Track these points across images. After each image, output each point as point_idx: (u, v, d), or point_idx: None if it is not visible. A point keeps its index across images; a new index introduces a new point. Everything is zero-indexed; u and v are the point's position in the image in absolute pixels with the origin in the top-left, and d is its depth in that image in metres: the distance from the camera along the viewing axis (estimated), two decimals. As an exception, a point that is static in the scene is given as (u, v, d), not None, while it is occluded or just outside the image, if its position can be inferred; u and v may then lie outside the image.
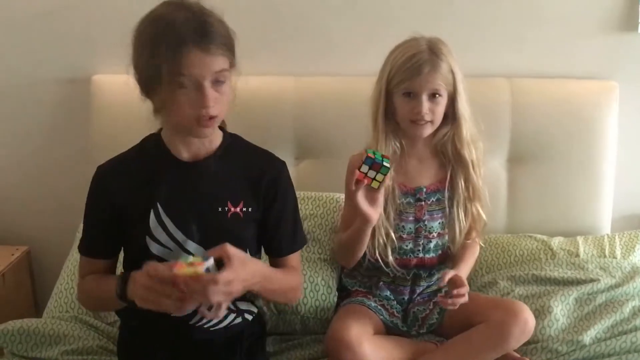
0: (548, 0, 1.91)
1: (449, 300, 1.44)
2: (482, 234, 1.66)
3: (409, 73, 1.48)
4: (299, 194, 1.78)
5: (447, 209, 1.59)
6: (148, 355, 1.31)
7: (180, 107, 1.19)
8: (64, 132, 2.03)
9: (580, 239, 1.84)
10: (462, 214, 1.58)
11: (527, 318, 1.43)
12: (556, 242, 1.83)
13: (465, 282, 1.48)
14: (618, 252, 1.80)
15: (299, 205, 1.74)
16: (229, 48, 1.22)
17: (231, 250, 1.17)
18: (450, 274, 1.47)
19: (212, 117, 1.21)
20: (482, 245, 1.67)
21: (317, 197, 1.82)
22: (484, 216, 1.62)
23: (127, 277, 1.22)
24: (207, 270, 1.13)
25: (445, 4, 1.91)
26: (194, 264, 1.13)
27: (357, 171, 1.39)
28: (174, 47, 1.15)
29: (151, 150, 1.30)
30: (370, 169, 1.38)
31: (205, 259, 1.15)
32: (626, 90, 1.93)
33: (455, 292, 1.44)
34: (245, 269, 1.18)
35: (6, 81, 2.01)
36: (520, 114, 1.90)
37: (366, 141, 1.59)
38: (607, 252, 1.80)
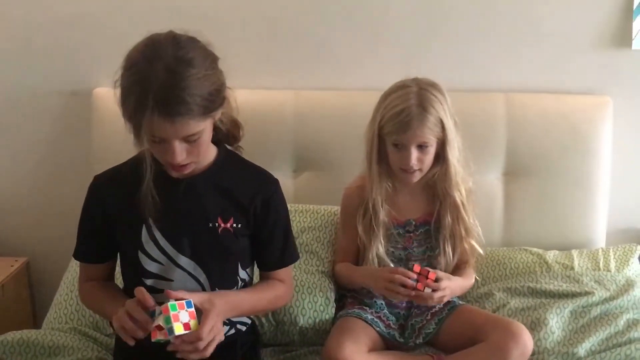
0: (543, 17, 1.93)
1: (413, 292, 1.46)
2: (477, 267, 1.69)
3: (398, 127, 1.51)
4: (298, 206, 1.81)
5: (434, 242, 1.62)
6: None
7: (152, 150, 1.21)
8: (65, 144, 2.05)
9: (575, 253, 1.86)
10: (449, 249, 1.61)
11: (527, 340, 1.45)
12: (551, 255, 1.84)
13: (442, 285, 1.47)
14: (612, 266, 1.82)
15: (297, 218, 1.77)
16: (203, 110, 1.15)
17: (205, 296, 1.23)
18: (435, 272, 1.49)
19: (185, 165, 1.21)
20: (478, 278, 1.70)
21: (315, 210, 1.83)
22: (480, 250, 1.65)
23: None
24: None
25: (442, 19, 1.94)
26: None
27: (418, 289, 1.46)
28: (138, 110, 1.12)
29: (144, 164, 1.27)
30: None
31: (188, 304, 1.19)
32: (620, 105, 1.95)
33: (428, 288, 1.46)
34: (223, 301, 1.25)
35: (9, 93, 2.02)
36: (516, 129, 1.92)
37: (363, 161, 1.62)
38: (601, 266, 1.81)
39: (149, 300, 1.19)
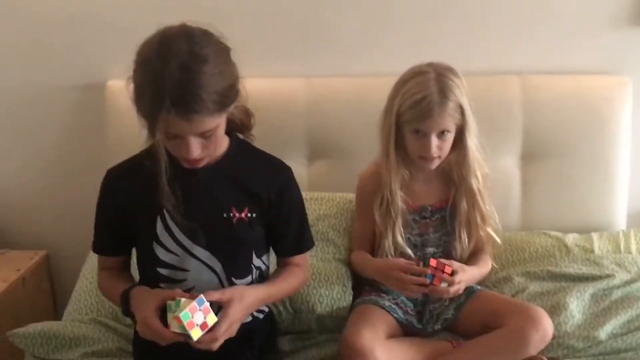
0: (557, -4, 1.91)
1: (427, 289, 1.46)
2: (494, 254, 1.67)
3: (418, 115, 1.48)
4: (312, 194, 1.81)
5: (449, 228, 1.61)
6: (161, 354, 1.32)
7: (166, 146, 1.21)
8: (80, 137, 2.06)
9: (595, 235, 1.84)
10: (464, 235, 1.60)
11: (547, 326, 1.44)
12: (571, 238, 1.83)
13: (457, 279, 1.46)
14: (633, 248, 1.79)
15: (312, 206, 1.77)
16: (218, 106, 1.15)
17: (227, 295, 1.23)
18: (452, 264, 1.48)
19: (200, 159, 1.22)
20: (495, 266, 1.68)
21: (330, 197, 1.83)
22: (497, 239, 1.64)
23: (128, 296, 1.28)
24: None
25: (454, 1, 1.91)
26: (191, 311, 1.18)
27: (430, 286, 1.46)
28: (154, 109, 1.11)
29: (157, 155, 1.26)
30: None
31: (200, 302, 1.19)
32: (639, 84, 1.91)
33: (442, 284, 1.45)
34: (243, 304, 1.25)
35: (23, 90, 2.03)
36: (532, 111, 1.89)
37: (377, 148, 1.60)
38: (622, 248, 1.79)
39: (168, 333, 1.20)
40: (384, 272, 1.53)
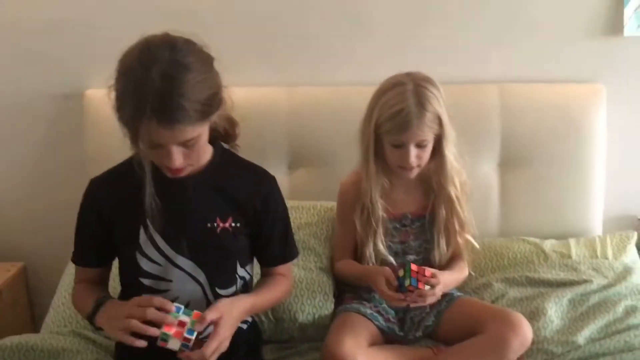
0: (534, 6, 1.93)
1: (407, 297, 1.46)
2: (472, 261, 1.69)
3: (396, 127, 1.49)
4: (293, 203, 1.81)
5: (429, 235, 1.63)
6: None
7: (149, 155, 1.20)
8: (58, 147, 2.04)
9: (572, 241, 1.86)
10: (443, 242, 1.61)
11: (526, 331, 1.45)
12: (548, 244, 1.85)
13: (439, 280, 1.47)
14: (609, 253, 1.82)
15: (293, 215, 1.77)
16: (201, 115, 1.14)
17: (215, 314, 1.23)
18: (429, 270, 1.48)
19: (182, 168, 1.21)
20: (472, 273, 1.70)
21: (311, 206, 1.83)
22: (476, 245, 1.65)
23: (101, 303, 1.27)
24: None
25: (432, 11, 1.93)
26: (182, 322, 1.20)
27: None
28: (135, 118, 1.10)
29: (140, 165, 1.26)
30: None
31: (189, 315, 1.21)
32: (613, 92, 1.95)
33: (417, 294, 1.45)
34: (232, 317, 1.26)
35: (1, 98, 2.01)
36: (510, 119, 1.92)
37: (357, 156, 1.61)
38: (598, 253, 1.82)
39: (170, 306, 1.20)
40: (371, 279, 1.53)
